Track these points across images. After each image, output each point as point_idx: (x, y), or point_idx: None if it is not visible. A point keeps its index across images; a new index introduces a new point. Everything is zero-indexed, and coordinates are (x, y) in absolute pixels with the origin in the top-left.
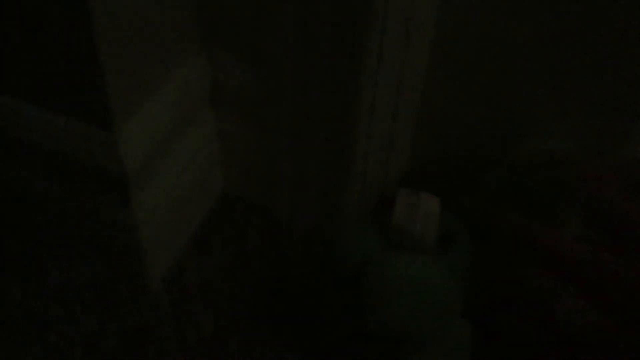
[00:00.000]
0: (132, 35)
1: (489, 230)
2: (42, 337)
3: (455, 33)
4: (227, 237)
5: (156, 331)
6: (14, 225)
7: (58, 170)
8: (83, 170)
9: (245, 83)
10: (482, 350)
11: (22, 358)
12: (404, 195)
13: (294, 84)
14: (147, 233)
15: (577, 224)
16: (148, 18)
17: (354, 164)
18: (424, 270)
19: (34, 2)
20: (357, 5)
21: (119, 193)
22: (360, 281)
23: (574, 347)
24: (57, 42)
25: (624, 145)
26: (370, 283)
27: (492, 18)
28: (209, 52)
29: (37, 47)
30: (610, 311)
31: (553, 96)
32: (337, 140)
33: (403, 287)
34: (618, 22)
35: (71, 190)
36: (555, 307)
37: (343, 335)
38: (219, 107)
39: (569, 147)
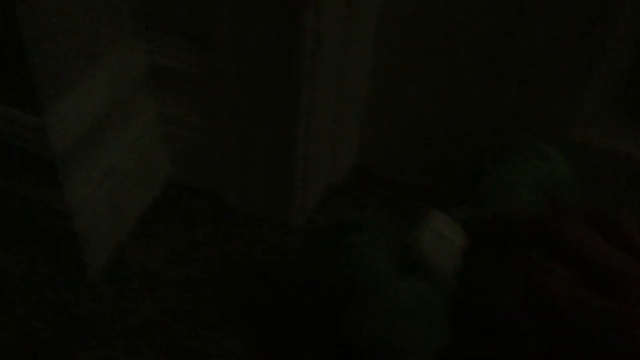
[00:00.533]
0: (61, 17)
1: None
2: None
3: (400, 16)
4: (173, 224)
5: (94, 320)
6: None
7: None
8: (12, 154)
9: (186, 66)
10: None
11: None
12: (434, 220)
13: (235, 68)
14: (84, 219)
15: None
16: None
17: (296, 151)
18: (428, 300)
19: None
20: None
21: (50, 178)
22: (364, 298)
23: (557, 325)
24: None
25: (568, 129)
26: (375, 304)
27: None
28: (147, 34)
29: None
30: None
31: (497, 87)
32: (278, 126)
33: (405, 313)
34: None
35: (1, 175)
36: (546, 282)
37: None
38: (160, 91)
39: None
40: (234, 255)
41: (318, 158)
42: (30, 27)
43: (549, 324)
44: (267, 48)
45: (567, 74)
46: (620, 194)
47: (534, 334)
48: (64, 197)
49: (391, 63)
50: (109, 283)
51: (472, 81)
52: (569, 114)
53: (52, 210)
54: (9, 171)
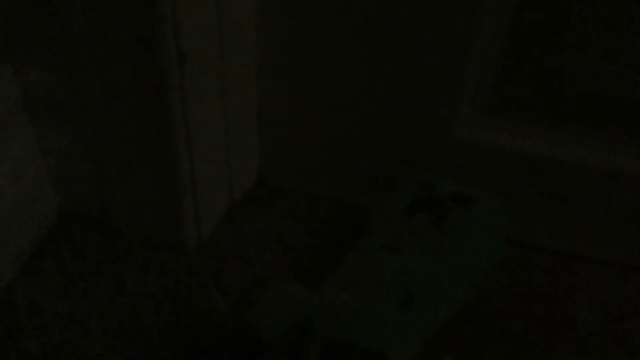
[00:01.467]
0: None
1: None
2: None
3: (280, 25)
4: (63, 256)
5: None
6: None
7: None
8: None
9: (57, 93)
10: None
11: None
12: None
13: (103, 92)
14: None
15: None
16: None
17: (179, 170)
18: None
19: None
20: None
21: None
22: None
23: None
24: None
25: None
26: None
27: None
28: (15, 62)
29: None
30: None
31: (381, 92)
32: (158, 147)
33: None
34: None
35: None
36: None
37: None
38: (37, 121)
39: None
40: (126, 283)
41: (209, 174)
42: None
43: None
44: (130, 70)
45: (443, 76)
46: (501, 188)
47: None
48: None
49: (278, 74)
50: None
51: (357, 91)
52: (448, 115)
53: None
54: None
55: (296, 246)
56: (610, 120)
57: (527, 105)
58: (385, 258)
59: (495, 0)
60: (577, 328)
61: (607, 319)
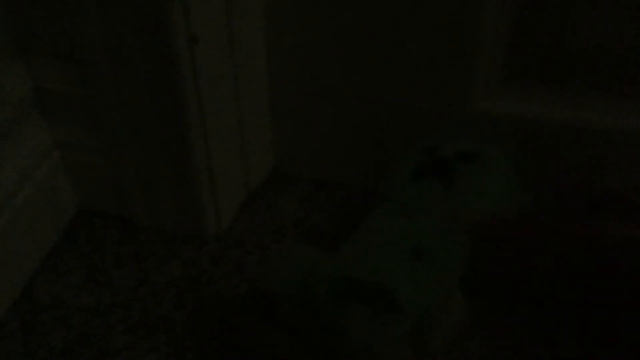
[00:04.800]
0: None
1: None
2: None
3: (289, 10)
4: (84, 251)
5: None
6: None
7: None
8: None
9: (70, 88)
10: None
11: None
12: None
13: (116, 82)
14: None
15: None
16: None
17: (195, 160)
18: None
19: None
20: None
21: None
22: None
23: None
24: None
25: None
26: None
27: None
28: (25, 57)
29: None
30: None
31: (397, 74)
32: (173, 137)
33: None
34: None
35: None
36: None
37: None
38: (50, 116)
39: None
40: (148, 274)
41: (225, 165)
42: None
43: None
44: (141, 57)
45: (457, 51)
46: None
47: None
48: None
49: (288, 60)
50: (18, 319)
51: (371, 71)
52: (465, 86)
53: None
54: None
55: (314, 231)
56: (632, 83)
57: (544, 71)
58: (393, 221)
59: None
60: None
61: None
